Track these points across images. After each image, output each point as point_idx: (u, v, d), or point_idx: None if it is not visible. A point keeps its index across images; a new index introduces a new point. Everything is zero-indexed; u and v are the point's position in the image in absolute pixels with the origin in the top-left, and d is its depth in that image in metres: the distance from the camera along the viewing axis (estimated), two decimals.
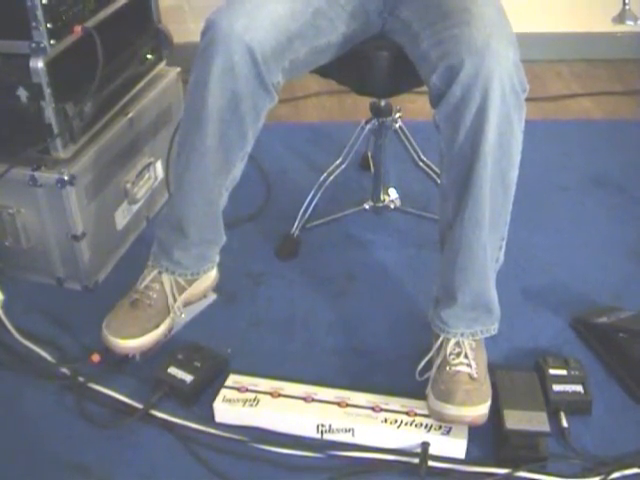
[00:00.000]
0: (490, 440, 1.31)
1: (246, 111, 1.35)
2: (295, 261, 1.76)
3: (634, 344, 1.44)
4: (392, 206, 1.85)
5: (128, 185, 1.74)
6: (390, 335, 1.55)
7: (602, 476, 1.24)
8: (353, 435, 1.31)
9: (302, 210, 1.78)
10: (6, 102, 1.49)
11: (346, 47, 1.48)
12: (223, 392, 1.37)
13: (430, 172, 1.83)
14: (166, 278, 1.50)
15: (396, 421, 1.31)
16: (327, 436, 1.32)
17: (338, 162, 1.80)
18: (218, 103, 1.32)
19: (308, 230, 1.80)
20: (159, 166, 1.88)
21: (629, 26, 1.37)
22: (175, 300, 1.50)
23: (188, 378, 1.39)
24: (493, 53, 1.20)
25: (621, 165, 2.11)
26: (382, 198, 1.84)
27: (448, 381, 1.30)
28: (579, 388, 1.36)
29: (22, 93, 1.47)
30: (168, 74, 1.90)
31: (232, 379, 1.40)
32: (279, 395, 1.36)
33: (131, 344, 1.44)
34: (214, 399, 1.36)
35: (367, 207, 1.85)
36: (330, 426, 1.31)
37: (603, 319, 1.51)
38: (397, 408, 1.33)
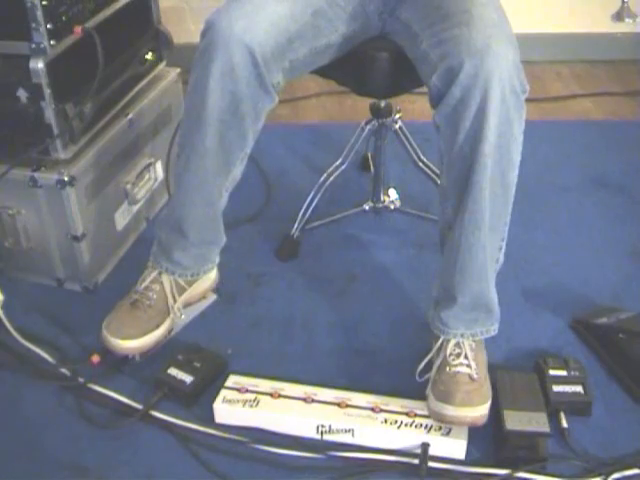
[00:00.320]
0: (490, 441, 1.31)
1: (246, 112, 1.35)
2: (295, 262, 1.76)
3: (634, 345, 1.44)
4: (392, 207, 1.85)
5: (128, 186, 1.74)
6: (390, 336, 1.55)
7: (602, 477, 1.24)
8: (353, 436, 1.31)
9: (302, 211, 1.78)
10: (6, 103, 1.49)
11: (346, 48, 1.48)
12: (223, 393, 1.37)
13: (430, 173, 1.83)
14: (166, 279, 1.50)
15: (396, 422, 1.31)
16: (327, 437, 1.32)
17: (338, 163, 1.80)
18: (218, 104, 1.32)
19: (308, 231, 1.80)
20: (159, 167, 1.88)
21: (628, 24, 1.37)
22: (175, 301, 1.50)
23: (188, 379, 1.39)
24: (493, 54, 1.20)
25: (621, 165, 2.11)
26: (382, 199, 1.84)
27: (448, 382, 1.30)
28: (579, 389, 1.36)
29: (22, 94, 1.47)
30: (168, 75, 1.90)
31: (232, 380, 1.40)
32: (279, 396, 1.36)
33: (131, 345, 1.44)
34: (214, 400, 1.36)
35: (367, 208, 1.85)
36: (330, 427, 1.31)
37: (603, 320, 1.51)
38: (397, 409, 1.33)
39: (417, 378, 1.37)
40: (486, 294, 1.35)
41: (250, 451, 1.30)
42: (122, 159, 1.72)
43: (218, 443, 1.32)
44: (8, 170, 1.51)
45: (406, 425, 1.30)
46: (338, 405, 1.34)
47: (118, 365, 1.46)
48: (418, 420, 1.31)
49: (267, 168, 2.09)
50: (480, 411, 1.28)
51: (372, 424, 1.31)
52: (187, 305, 1.56)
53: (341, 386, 1.39)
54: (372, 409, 1.33)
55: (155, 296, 1.48)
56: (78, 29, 1.49)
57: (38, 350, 1.48)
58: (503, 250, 1.38)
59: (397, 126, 1.78)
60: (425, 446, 1.26)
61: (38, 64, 1.43)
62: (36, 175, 1.53)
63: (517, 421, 1.26)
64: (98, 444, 1.32)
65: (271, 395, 1.36)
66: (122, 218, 1.76)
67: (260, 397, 1.36)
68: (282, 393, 1.37)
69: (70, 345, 1.52)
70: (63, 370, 1.46)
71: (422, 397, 1.34)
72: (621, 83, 2.60)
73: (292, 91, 2.50)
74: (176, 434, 1.33)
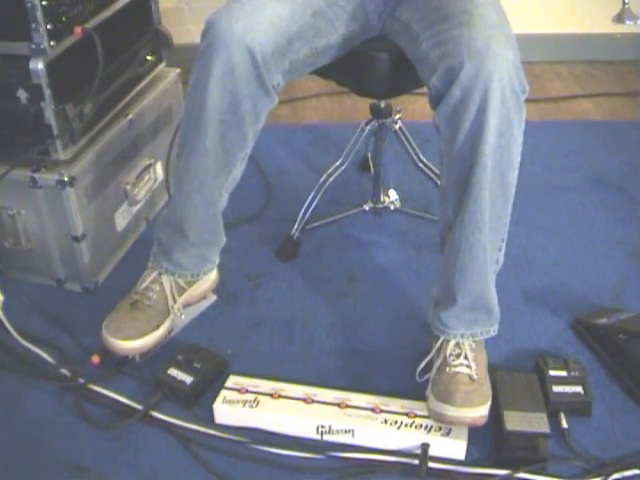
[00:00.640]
0: (490, 441, 1.31)
1: (246, 112, 1.35)
2: (295, 262, 1.76)
3: (634, 345, 1.44)
4: (392, 207, 1.85)
5: (128, 186, 1.74)
6: (390, 336, 1.55)
7: (602, 477, 1.24)
8: (353, 436, 1.31)
9: (302, 211, 1.78)
10: (6, 103, 1.49)
11: (346, 48, 1.48)
12: (223, 393, 1.37)
13: (430, 173, 1.83)
14: (166, 279, 1.50)
15: (396, 422, 1.31)
16: (327, 437, 1.32)
17: (338, 163, 1.80)
18: (218, 104, 1.32)
19: (308, 231, 1.80)
20: (159, 167, 1.88)
21: (629, 26, 1.37)
22: (175, 301, 1.50)
23: (188, 379, 1.39)
24: (493, 55, 1.20)
25: (621, 166, 2.11)
26: (382, 199, 1.84)
27: (448, 382, 1.30)
28: (579, 389, 1.36)
29: (22, 94, 1.47)
30: (168, 75, 1.90)
31: (232, 380, 1.40)
32: (279, 396, 1.36)
33: (131, 345, 1.44)
34: (214, 400, 1.36)
35: (367, 208, 1.85)
36: (330, 427, 1.31)
37: (603, 320, 1.51)
38: (397, 409, 1.33)
39: (417, 378, 1.37)
40: (486, 295, 1.35)
41: (250, 452, 1.30)
42: (122, 160, 1.72)
43: (218, 444, 1.32)
44: (8, 171, 1.51)
45: (406, 425, 1.30)
46: (338, 405, 1.34)
47: (118, 366, 1.46)
48: (418, 421, 1.31)
49: (267, 168, 2.09)
50: (480, 412, 1.28)
51: (372, 424, 1.31)
52: (187, 305, 1.56)
53: (341, 386, 1.39)
54: (372, 409, 1.33)
55: (155, 296, 1.48)
56: (78, 30, 1.49)
57: (38, 350, 1.48)
58: (503, 251, 1.38)
59: (397, 126, 1.78)
60: (425, 447, 1.26)
61: (38, 65, 1.43)
62: (36, 176, 1.53)
63: (517, 421, 1.26)
64: (98, 444, 1.32)
65: (271, 395, 1.36)
66: (122, 219, 1.76)
67: (260, 397, 1.36)
68: (282, 393, 1.37)
69: (70, 345, 1.52)
70: (63, 370, 1.46)
71: (422, 397, 1.34)
72: (621, 83, 2.60)
73: (292, 91, 2.51)
74: (176, 434, 1.33)
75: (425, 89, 1.34)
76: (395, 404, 1.34)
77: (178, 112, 1.86)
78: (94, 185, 1.62)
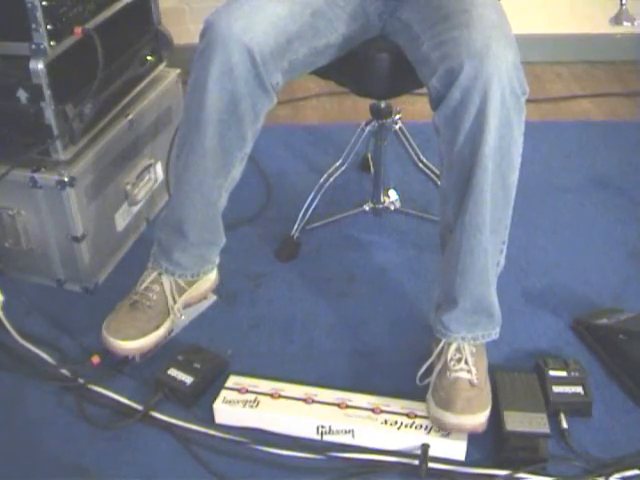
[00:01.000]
0: (490, 442, 1.30)
1: (245, 112, 1.35)
2: (295, 263, 1.76)
3: (634, 345, 1.44)
4: (392, 208, 1.85)
5: (128, 187, 1.74)
6: (390, 336, 1.55)
7: (602, 477, 1.24)
8: (353, 436, 1.31)
9: (302, 211, 1.78)
10: (6, 103, 1.49)
11: (346, 48, 1.48)
12: (223, 393, 1.37)
13: (430, 173, 1.83)
14: (166, 279, 1.50)
15: (396, 423, 1.31)
16: (327, 437, 1.32)
17: (338, 164, 1.80)
18: (217, 104, 1.32)
19: (308, 232, 1.80)
20: (159, 168, 1.88)
21: (626, 27, 1.37)
22: (175, 301, 1.50)
23: (188, 379, 1.39)
24: (492, 56, 1.20)
25: (621, 166, 2.11)
26: (382, 200, 1.84)
27: (448, 388, 1.30)
28: (579, 389, 1.36)
29: (22, 94, 1.47)
30: (168, 75, 1.90)
31: (232, 380, 1.40)
32: (279, 396, 1.36)
33: (131, 345, 1.44)
34: (214, 400, 1.36)
35: (367, 209, 1.85)
36: (330, 427, 1.31)
37: (603, 320, 1.51)
38: (397, 410, 1.33)
39: (418, 382, 1.37)
40: (487, 297, 1.35)
41: (250, 452, 1.30)
42: (122, 160, 1.72)
43: (218, 444, 1.32)
44: (8, 171, 1.52)
45: (406, 426, 1.30)
46: (338, 406, 1.34)
47: (118, 366, 1.46)
48: (418, 421, 1.31)
49: (267, 169, 2.09)
50: (480, 418, 1.28)
51: (372, 425, 1.31)
52: (187, 306, 1.56)
53: (341, 387, 1.39)
54: (372, 410, 1.33)
55: (155, 297, 1.48)
56: (78, 30, 1.49)
57: (38, 351, 1.48)
58: (504, 254, 1.37)
59: (397, 127, 1.78)
60: (425, 447, 1.26)
61: (38, 65, 1.43)
62: (36, 176, 1.53)
63: (517, 422, 1.26)
64: (98, 445, 1.32)
65: (271, 396, 1.36)
66: (122, 219, 1.76)
67: (260, 398, 1.36)
68: (282, 394, 1.37)
69: (70, 346, 1.52)
70: (63, 371, 1.46)
71: (422, 398, 1.34)
72: (621, 84, 2.60)
73: (292, 92, 2.51)
74: (176, 435, 1.33)
75: (425, 89, 1.34)
76: (395, 404, 1.34)
77: (178, 112, 1.86)
78: (94, 185, 1.62)
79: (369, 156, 1.98)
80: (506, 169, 1.27)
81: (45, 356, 1.47)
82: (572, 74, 2.68)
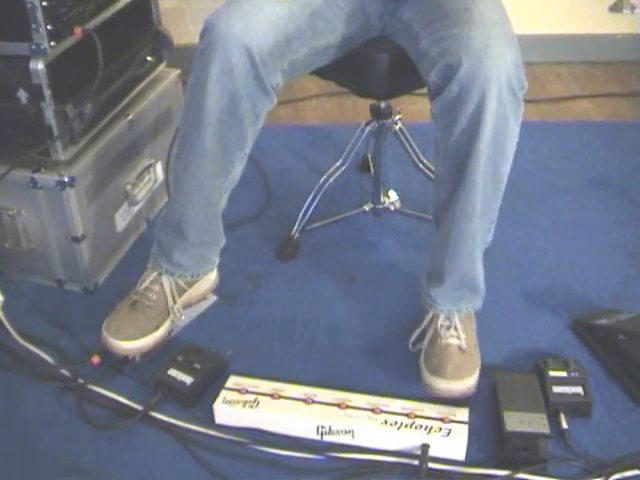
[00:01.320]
0: (490, 442, 1.31)
1: (245, 112, 1.35)
2: (295, 263, 1.76)
3: (634, 346, 1.44)
4: (392, 208, 1.84)
5: (128, 187, 1.74)
6: (390, 336, 1.55)
7: (602, 478, 1.24)
8: (353, 437, 1.31)
9: (302, 212, 1.78)
10: (6, 104, 1.49)
11: (345, 48, 1.48)
12: (223, 394, 1.37)
13: (430, 174, 1.82)
14: (166, 280, 1.50)
15: (396, 423, 1.31)
16: (327, 438, 1.32)
17: (338, 164, 1.80)
18: (217, 105, 1.32)
19: (308, 232, 1.80)
20: (159, 168, 1.88)
21: (625, 15, 1.36)
22: (175, 302, 1.50)
23: (188, 380, 1.39)
24: (491, 56, 1.21)
25: (621, 166, 2.11)
26: (382, 200, 1.84)
27: (439, 354, 1.37)
28: (579, 390, 1.36)
29: (22, 95, 1.47)
30: (168, 76, 1.90)
31: (232, 380, 1.40)
32: (279, 396, 1.36)
33: (131, 346, 1.44)
34: (214, 401, 1.36)
35: (367, 209, 1.85)
36: (330, 428, 1.31)
37: (603, 321, 1.51)
38: (397, 410, 1.33)
39: (410, 347, 1.44)
40: (472, 273, 1.41)
41: (250, 452, 1.30)
42: (122, 160, 1.72)
43: (218, 444, 1.32)
44: (8, 171, 1.51)
45: (406, 426, 1.30)
46: (338, 406, 1.34)
47: (118, 366, 1.46)
48: (418, 421, 1.31)
49: (267, 169, 2.09)
50: (468, 382, 1.35)
51: (372, 425, 1.31)
52: (187, 306, 1.56)
53: (341, 387, 1.39)
54: (372, 410, 1.33)
55: (155, 297, 1.48)
56: (78, 30, 1.49)
57: (38, 351, 1.48)
58: (492, 231, 1.42)
59: (397, 127, 1.78)
60: (425, 447, 1.26)
61: (38, 65, 1.43)
62: (36, 176, 1.53)
63: (517, 422, 1.27)
64: (98, 445, 1.32)
65: (271, 396, 1.36)
66: (122, 219, 1.76)
67: (260, 398, 1.36)
68: (282, 394, 1.37)
69: (70, 346, 1.52)
70: (63, 371, 1.46)
71: (422, 398, 1.35)
72: (621, 84, 2.60)
73: (292, 92, 2.51)
74: (176, 435, 1.33)
75: (425, 90, 1.34)
76: (395, 405, 1.34)
77: (178, 112, 1.85)
78: (94, 185, 1.62)
79: (369, 156, 1.98)
80: (499, 160, 1.29)
81: (45, 356, 1.47)
82: (572, 74, 2.68)
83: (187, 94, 1.37)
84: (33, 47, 1.42)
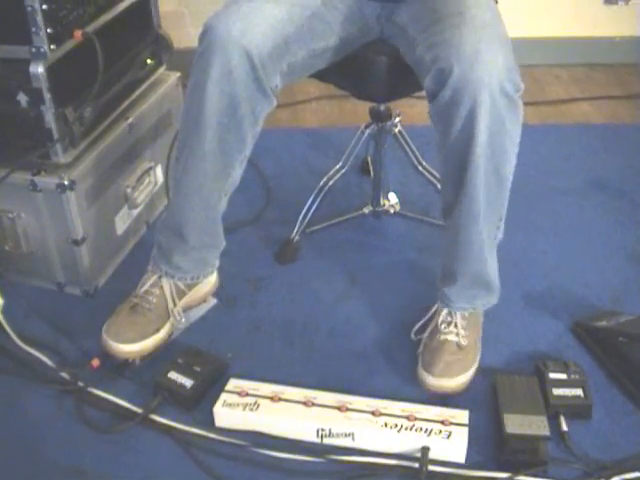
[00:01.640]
0: (490, 444, 1.31)
1: (244, 115, 1.35)
2: (295, 266, 1.76)
3: (634, 348, 1.44)
4: (392, 210, 1.85)
5: (128, 190, 1.74)
6: (390, 339, 1.55)
7: None
8: (353, 439, 1.31)
9: (302, 215, 1.78)
10: (6, 107, 1.49)
11: (344, 51, 1.48)
12: (223, 396, 1.37)
13: (430, 177, 1.83)
14: (166, 282, 1.50)
15: (396, 425, 1.31)
16: (327, 440, 1.32)
17: (338, 167, 1.80)
18: (216, 107, 1.32)
19: (308, 235, 1.80)
20: (159, 171, 1.88)
21: (621, 6, 1.36)
22: (175, 305, 1.50)
23: (188, 383, 1.39)
24: (482, 60, 1.21)
25: (621, 169, 2.12)
26: (382, 202, 1.84)
27: (434, 350, 1.39)
28: (579, 392, 1.36)
29: (22, 98, 1.47)
30: (168, 79, 1.90)
31: (232, 383, 1.40)
32: (279, 399, 1.36)
33: (131, 349, 1.44)
34: (214, 403, 1.36)
35: (367, 212, 1.85)
36: (330, 430, 1.31)
37: (603, 323, 1.51)
38: (397, 412, 1.33)
39: (412, 336, 1.46)
40: (485, 272, 1.41)
41: (250, 455, 1.30)
42: (122, 163, 1.72)
43: (218, 447, 1.32)
44: (8, 174, 1.52)
45: (406, 429, 1.30)
46: (338, 409, 1.34)
47: (118, 369, 1.46)
48: (418, 424, 1.31)
49: (267, 172, 2.09)
50: (458, 381, 1.36)
51: (372, 428, 1.31)
52: (187, 309, 1.56)
53: (341, 389, 1.39)
54: (372, 413, 1.33)
55: (155, 300, 1.48)
56: (78, 33, 1.49)
57: (38, 354, 1.47)
58: (502, 227, 1.41)
59: (397, 130, 1.78)
60: (425, 450, 1.26)
61: (38, 68, 1.43)
62: (36, 179, 1.53)
63: (517, 424, 1.27)
64: (98, 448, 1.32)
65: (271, 399, 1.36)
66: (122, 222, 1.76)
67: (260, 401, 1.36)
68: (282, 397, 1.37)
69: (70, 349, 1.52)
70: (63, 374, 1.46)
71: (422, 401, 1.35)
72: (620, 87, 2.60)
73: (292, 95, 2.51)
74: (176, 438, 1.33)
75: (424, 93, 1.34)
76: (395, 407, 1.34)
77: (178, 115, 1.85)
78: (94, 188, 1.62)
79: (369, 159, 1.98)
80: (500, 162, 1.29)
81: (45, 359, 1.47)
82: (572, 77, 2.68)
83: (186, 97, 1.37)
84: (33, 50, 1.42)
